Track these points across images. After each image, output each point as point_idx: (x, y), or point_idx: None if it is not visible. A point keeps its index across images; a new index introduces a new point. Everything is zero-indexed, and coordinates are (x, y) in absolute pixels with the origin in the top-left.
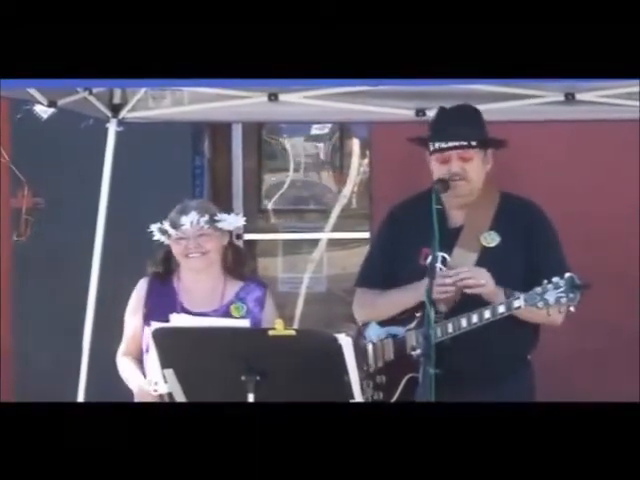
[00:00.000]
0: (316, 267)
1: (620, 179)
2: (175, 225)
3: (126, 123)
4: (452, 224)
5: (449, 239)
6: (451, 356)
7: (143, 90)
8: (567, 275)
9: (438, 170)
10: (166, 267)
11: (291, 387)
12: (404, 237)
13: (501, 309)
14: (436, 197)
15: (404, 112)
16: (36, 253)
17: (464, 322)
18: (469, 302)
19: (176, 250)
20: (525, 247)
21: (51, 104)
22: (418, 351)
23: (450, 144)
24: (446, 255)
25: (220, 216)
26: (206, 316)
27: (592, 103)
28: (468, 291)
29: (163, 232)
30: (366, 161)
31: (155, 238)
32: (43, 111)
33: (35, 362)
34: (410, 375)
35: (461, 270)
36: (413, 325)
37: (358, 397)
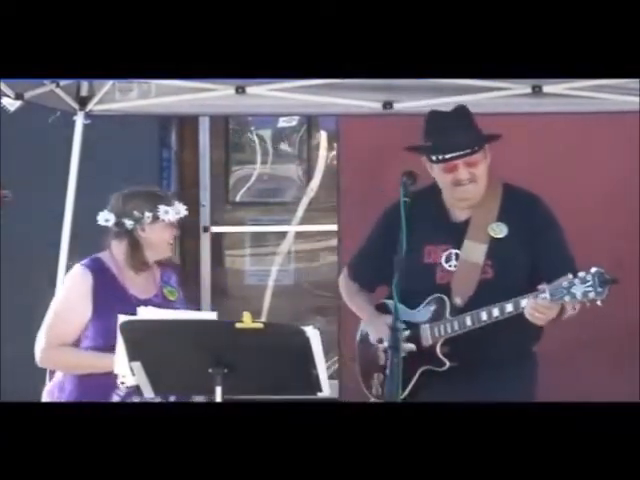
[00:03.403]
0: (284, 260)
1: (588, 171)
2: (177, 211)
3: (93, 116)
4: (457, 218)
5: (457, 233)
6: (467, 346)
7: (110, 83)
8: (594, 269)
9: (444, 177)
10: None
11: (259, 380)
12: (397, 235)
13: (523, 303)
14: (404, 190)
15: (372, 105)
16: (3, 246)
17: (484, 315)
18: (485, 295)
19: (161, 237)
20: (530, 239)
21: (18, 96)
22: (385, 344)
23: (455, 154)
24: (457, 250)
25: None
26: (150, 302)
27: (559, 95)
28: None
29: (163, 213)
30: (333, 153)
31: (130, 224)
32: (10, 103)
33: (1, 355)
34: (425, 368)
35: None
36: (427, 319)
37: (326, 389)
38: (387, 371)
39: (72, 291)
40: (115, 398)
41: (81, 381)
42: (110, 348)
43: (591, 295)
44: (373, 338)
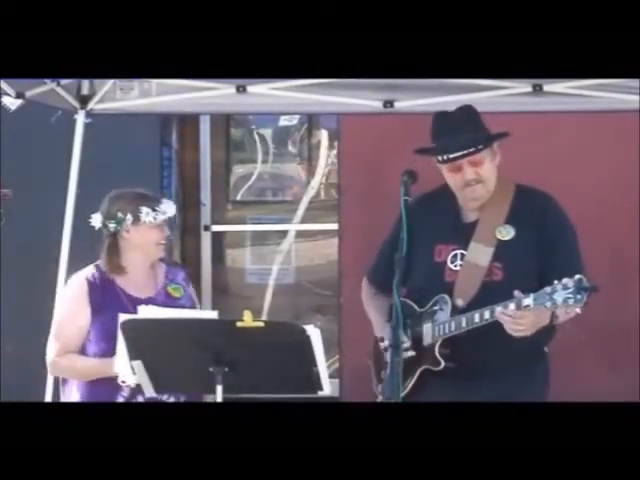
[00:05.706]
0: (284, 259)
1: (588, 170)
2: (162, 212)
3: (94, 115)
4: (467, 219)
5: (465, 234)
6: (467, 347)
7: (111, 81)
8: (576, 276)
9: (452, 179)
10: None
11: (260, 378)
12: (415, 235)
13: (511, 307)
14: (405, 189)
15: (372, 103)
16: (4, 244)
17: (477, 317)
18: (493, 297)
19: (146, 238)
20: (538, 240)
21: (19, 95)
22: (386, 342)
23: (458, 153)
24: (463, 251)
25: None
26: (152, 301)
27: (560, 94)
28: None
29: (144, 215)
30: (334, 152)
31: (112, 226)
32: (11, 102)
33: (2, 354)
34: (424, 367)
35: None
36: (431, 318)
37: (327, 388)
38: (387, 369)
39: (68, 301)
40: (120, 399)
41: (89, 386)
42: (113, 352)
43: (570, 302)
44: (377, 336)
